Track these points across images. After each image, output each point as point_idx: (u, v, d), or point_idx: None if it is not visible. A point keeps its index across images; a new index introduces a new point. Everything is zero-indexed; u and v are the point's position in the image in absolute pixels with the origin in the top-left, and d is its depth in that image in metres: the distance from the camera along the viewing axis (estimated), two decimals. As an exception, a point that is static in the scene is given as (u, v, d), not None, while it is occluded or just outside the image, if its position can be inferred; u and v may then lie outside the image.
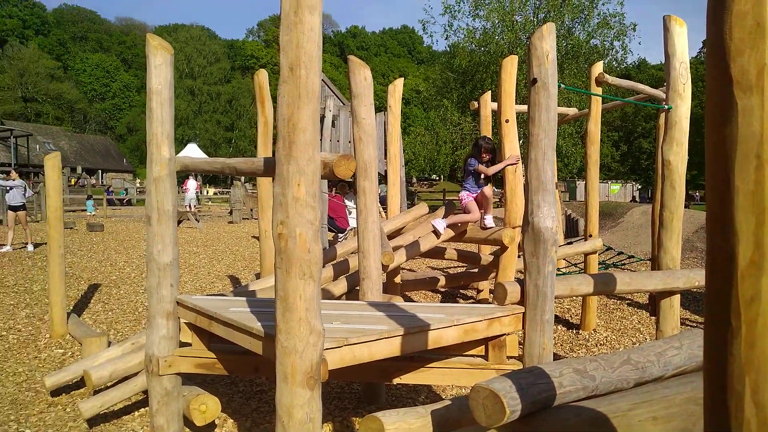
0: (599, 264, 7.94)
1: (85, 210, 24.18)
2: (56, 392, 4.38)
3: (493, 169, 5.46)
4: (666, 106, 4.32)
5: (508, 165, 5.34)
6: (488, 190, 5.68)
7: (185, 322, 3.39)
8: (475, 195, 5.62)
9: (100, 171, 51.11)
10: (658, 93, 6.10)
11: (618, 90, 7.23)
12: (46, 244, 6.32)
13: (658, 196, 5.48)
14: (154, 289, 3.24)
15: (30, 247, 11.08)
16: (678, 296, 4.10)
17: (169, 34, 68.63)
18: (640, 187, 40.47)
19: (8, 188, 11.49)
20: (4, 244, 11.12)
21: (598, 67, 6.34)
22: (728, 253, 1.09)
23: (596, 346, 5.73)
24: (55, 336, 5.77)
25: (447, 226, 5.65)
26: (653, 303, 4.22)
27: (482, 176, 5.55)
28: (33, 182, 19.52)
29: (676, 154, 4.18)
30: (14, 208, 11.38)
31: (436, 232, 5.65)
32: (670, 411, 1.54)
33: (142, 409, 4.05)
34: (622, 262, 9.91)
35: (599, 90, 6.31)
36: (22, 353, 5.41)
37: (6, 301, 7.15)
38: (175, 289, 3.29)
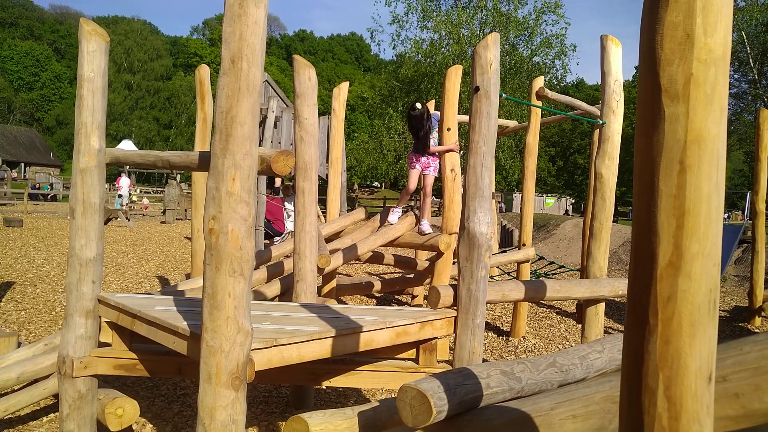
0: (531, 273, 8.14)
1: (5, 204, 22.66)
2: (-45, 396, 4.04)
3: (434, 148, 5.53)
4: (600, 122, 4.48)
5: (448, 150, 5.39)
6: (427, 201, 5.74)
7: (106, 321, 3.21)
8: (420, 161, 5.64)
9: (23, 164, 48.14)
10: (594, 109, 6.34)
11: (557, 105, 7.46)
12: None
13: (589, 209, 5.67)
14: (74, 286, 3.07)
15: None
16: (603, 304, 4.25)
17: (108, 25, 65.75)
18: (573, 201, 42.01)
19: None
20: None
21: (538, 82, 6.51)
22: (650, 254, 1.12)
23: (525, 352, 5.85)
24: (-41, 336, 5.34)
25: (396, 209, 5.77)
26: (580, 311, 4.35)
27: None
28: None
29: (608, 167, 4.34)
30: None
31: (391, 224, 5.71)
32: (589, 409, 1.57)
33: (52, 414, 3.80)
34: (554, 272, 10.22)
35: (539, 104, 6.48)
36: None
37: None
38: (98, 287, 3.13)
